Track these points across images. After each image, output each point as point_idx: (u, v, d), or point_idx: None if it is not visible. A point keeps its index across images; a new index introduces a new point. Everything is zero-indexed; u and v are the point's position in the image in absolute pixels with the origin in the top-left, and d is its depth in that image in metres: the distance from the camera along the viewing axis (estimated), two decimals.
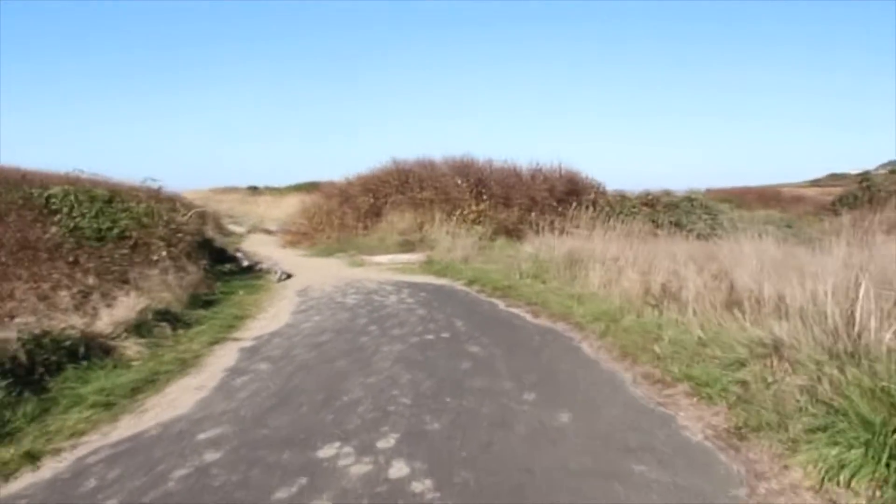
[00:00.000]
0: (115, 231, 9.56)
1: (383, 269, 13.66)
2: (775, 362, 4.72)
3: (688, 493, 3.36)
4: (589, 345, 6.60)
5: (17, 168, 13.64)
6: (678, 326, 6.31)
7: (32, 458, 3.89)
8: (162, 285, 8.36)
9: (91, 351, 5.84)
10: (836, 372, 4.11)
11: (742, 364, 4.96)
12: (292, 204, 26.36)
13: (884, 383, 3.56)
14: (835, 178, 45.01)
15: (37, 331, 5.56)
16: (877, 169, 37.67)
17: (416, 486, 3.44)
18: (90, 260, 8.23)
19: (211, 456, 3.91)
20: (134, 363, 5.99)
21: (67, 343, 5.67)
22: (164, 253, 9.49)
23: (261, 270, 13.28)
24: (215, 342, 7.01)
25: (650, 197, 20.12)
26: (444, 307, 8.92)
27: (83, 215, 9.57)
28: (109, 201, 10.41)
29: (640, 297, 7.70)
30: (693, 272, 7.20)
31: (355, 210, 18.79)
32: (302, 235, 19.71)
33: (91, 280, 7.53)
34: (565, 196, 18.40)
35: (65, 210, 9.59)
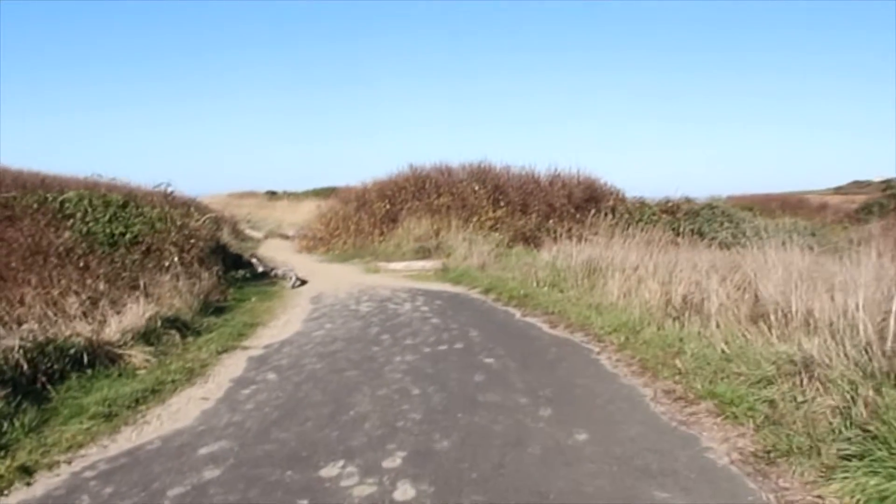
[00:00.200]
0: (128, 236, 9.51)
1: (399, 276, 13.50)
2: (805, 380, 4.45)
3: None
4: (607, 357, 6.35)
5: (37, 173, 13.77)
6: (701, 340, 6.04)
7: (26, 472, 3.76)
8: (173, 292, 8.27)
9: (96, 359, 5.73)
10: (871, 393, 3.87)
11: (769, 382, 4.70)
12: (310, 209, 26.31)
13: None
14: (859, 186, 44.16)
15: (41, 338, 5.47)
16: None
17: None
18: (101, 265, 8.17)
19: (210, 473, 3.75)
20: (140, 372, 5.87)
21: (72, 351, 5.56)
22: (175, 259, 9.41)
23: (275, 276, 13.18)
24: (224, 351, 6.88)
25: (670, 204, 19.65)
26: (458, 316, 8.73)
27: (97, 220, 9.55)
28: (124, 206, 10.38)
29: (661, 308, 7.43)
30: (716, 283, 6.93)
31: (371, 216, 18.63)
32: (318, 241, 19.63)
33: (101, 286, 7.45)
34: (584, 203, 18.07)
35: (79, 215, 9.58)
